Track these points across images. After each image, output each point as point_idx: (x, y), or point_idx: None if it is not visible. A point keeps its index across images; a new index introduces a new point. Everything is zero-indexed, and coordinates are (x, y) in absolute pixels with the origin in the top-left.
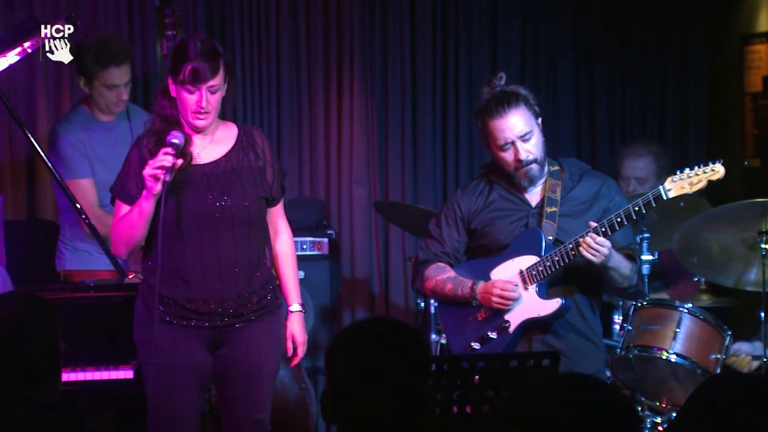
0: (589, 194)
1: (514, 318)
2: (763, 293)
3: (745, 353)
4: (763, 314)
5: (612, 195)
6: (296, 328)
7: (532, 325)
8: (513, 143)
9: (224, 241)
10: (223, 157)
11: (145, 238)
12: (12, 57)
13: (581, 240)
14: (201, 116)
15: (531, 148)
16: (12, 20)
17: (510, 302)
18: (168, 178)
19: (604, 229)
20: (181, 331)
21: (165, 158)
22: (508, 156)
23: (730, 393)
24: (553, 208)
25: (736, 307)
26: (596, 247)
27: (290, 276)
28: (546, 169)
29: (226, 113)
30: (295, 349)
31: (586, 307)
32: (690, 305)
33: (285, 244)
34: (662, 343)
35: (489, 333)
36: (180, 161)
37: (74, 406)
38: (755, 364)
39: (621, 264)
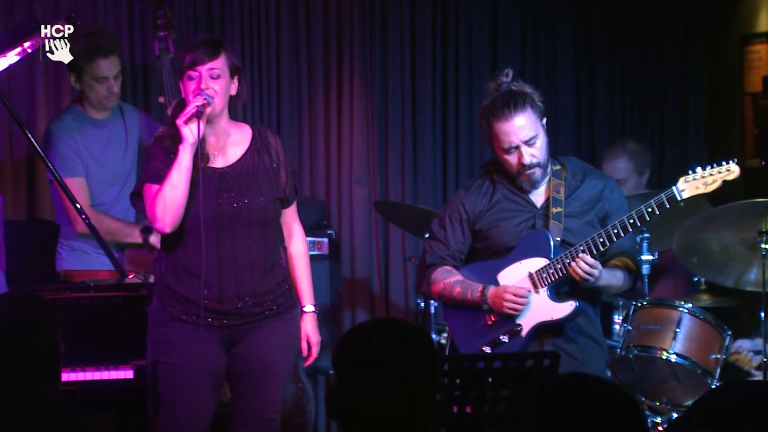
0: (592, 194)
1: (527, 322)
2: (763, 293)
3: (746, 350)
4: (763, 314)
5: (613, 196)
6: (310, 328)
7: (544, 329)
8: (518, 147)
9: (240, 242)
10: (239, 159)
11: (162, 238)
12: (12, 57)
13: (573, 264)
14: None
15: (535, 152)
16: (12, 20)
17: (522, 308)
18: (202, 125)
19: (616, 231)
20: (195, 330)
21: (197, 99)
22: (512, 159)
23: (733, 400)
24: (559, 209)
25: (736, 307)
26: (589, 270)
27: (304, 277)
28: (549, 169)
29: (236, 113)
30: (309, 349)
31: (590, 308)
32: (690, 305)
33: (298, 245)
34: (662, 343)
35: (501, 337)
36: (209, 109)
37: (74, 406)
38: (756, 360)
39: (612, 280)
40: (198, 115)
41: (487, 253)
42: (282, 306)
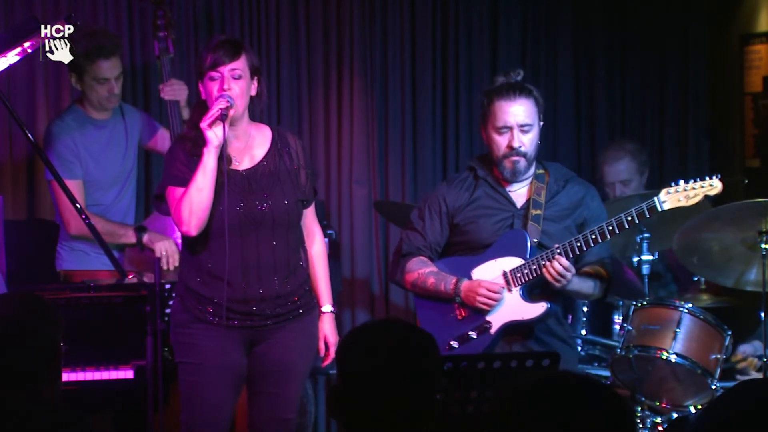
0: (573, 200)
1: (497, 319)
2: (763, 293)
3: (750, 355)
4: (763, 314)
5: (593, 204)
6: (329, 329)
7: (513, 328)
8: (511, 129)
9: (264, 243)
10: (260, 161)
11: (184, 241)
12: (12, 57)
13: (548, 264)
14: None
15: (525, 141)
16: (12, 20)
17: (494, 303)
18: (226, 127)
19: (594, 236)
20: (219, 331)
21: (219, 101)
22: (501, 140)
23: (742, 401)
24: (538, 211)
25: (736, 307)
26: (562, 272)
27: (322, 278)
28: (532, 170)
29: (255, 114)
30: (327, 349)
31: (560, 311)
32: (690, 305)
33: (317, 246)
34: (662, 343)
35: (469, 332)
36: (233, 111)
37: (74, 406)
38: (759, 362)
39: (582, 286)
40: (222, 117)
41: (463, 248)
42: (303, 307)
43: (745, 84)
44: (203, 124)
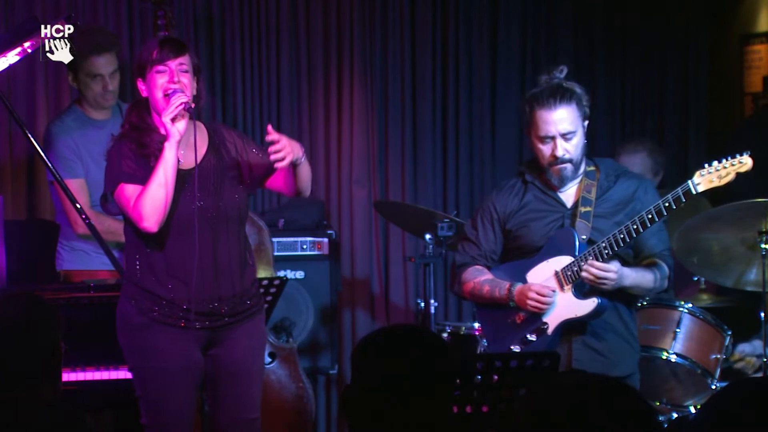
0: (624, 196)
1: (552, 319)
2: (763, 293)
3: (749, 354)
4: (763, 314)
5: (646, 197)
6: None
7: (570, 326)
8: (553, 138)
9: (219, 241)
10: (203, 158)
11: (136, 238)
12: (12, 57)
13: (584, 273)
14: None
15: (570, 148)
16: (12, 20)
17: (545, 306)
18: (186, 119)
19: (635, 226)
20: (178, 333)
21: (178, 96)
22: (545, 149)
23: (742, 397)
24: (588, 208)
25: (736, 307)
26: (600, 275)
27: None
28: (582, 169)
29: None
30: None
31: (623, 308)
32: (690, 305)
33: None
34: (662, 343)
35: (528, 335)
36: (194, 104)
37: (74, 406)
38: (758, 362)
39: (640, 280)
40: (188, 110)
41: (519, 253)
42: (256, 306)
43: (745, 84)
44: (166, 118)
